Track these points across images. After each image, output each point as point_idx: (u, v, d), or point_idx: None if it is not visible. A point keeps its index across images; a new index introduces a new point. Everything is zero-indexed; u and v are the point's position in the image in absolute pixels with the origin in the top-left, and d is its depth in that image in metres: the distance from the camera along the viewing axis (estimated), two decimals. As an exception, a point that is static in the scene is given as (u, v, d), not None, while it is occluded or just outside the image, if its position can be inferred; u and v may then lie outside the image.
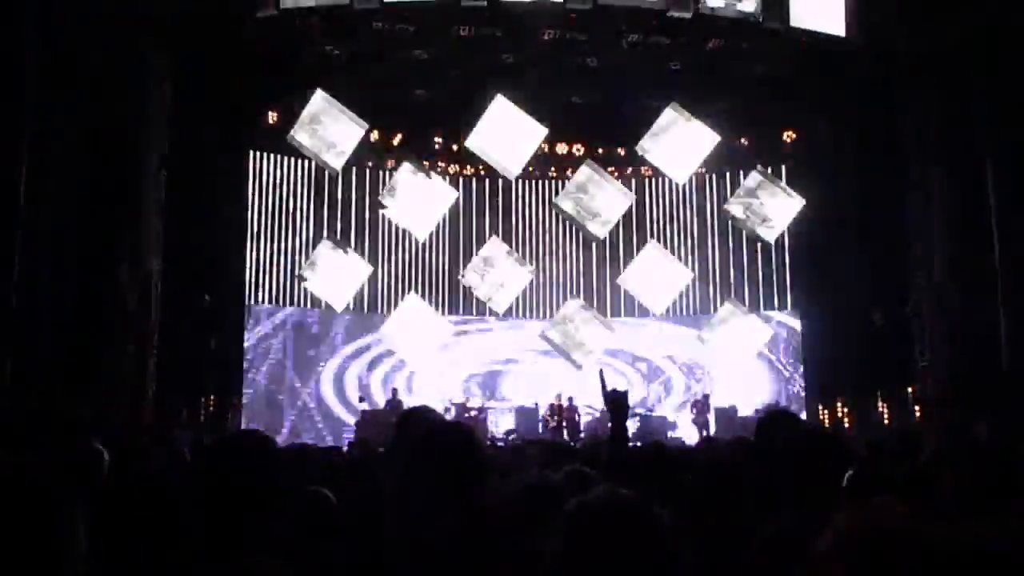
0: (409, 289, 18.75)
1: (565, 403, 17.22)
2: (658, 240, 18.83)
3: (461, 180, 19.07)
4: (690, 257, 19.15)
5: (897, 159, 14.78)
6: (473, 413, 17.03)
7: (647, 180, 19.47)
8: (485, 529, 2.02)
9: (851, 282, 16.46)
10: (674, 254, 18.72)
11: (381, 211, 17.84)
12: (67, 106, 11.79)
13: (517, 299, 18.58)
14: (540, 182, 19.76)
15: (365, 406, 17.65)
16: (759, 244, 18.38)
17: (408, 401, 16.87)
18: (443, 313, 18.67)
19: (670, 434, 16.44)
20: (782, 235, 18.10)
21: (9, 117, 10.55)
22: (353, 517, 3.30)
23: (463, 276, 18.28)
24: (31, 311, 10.73)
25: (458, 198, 18.19)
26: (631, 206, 18.39)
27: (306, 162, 17.96)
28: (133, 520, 2.78)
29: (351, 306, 18.35)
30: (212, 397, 15.87)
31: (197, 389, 15.51)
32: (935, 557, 1.09)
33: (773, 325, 18.70)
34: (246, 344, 17.62)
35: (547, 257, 19.73)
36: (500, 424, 17.88)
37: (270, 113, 17.58)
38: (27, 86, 10.81)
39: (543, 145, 17.41)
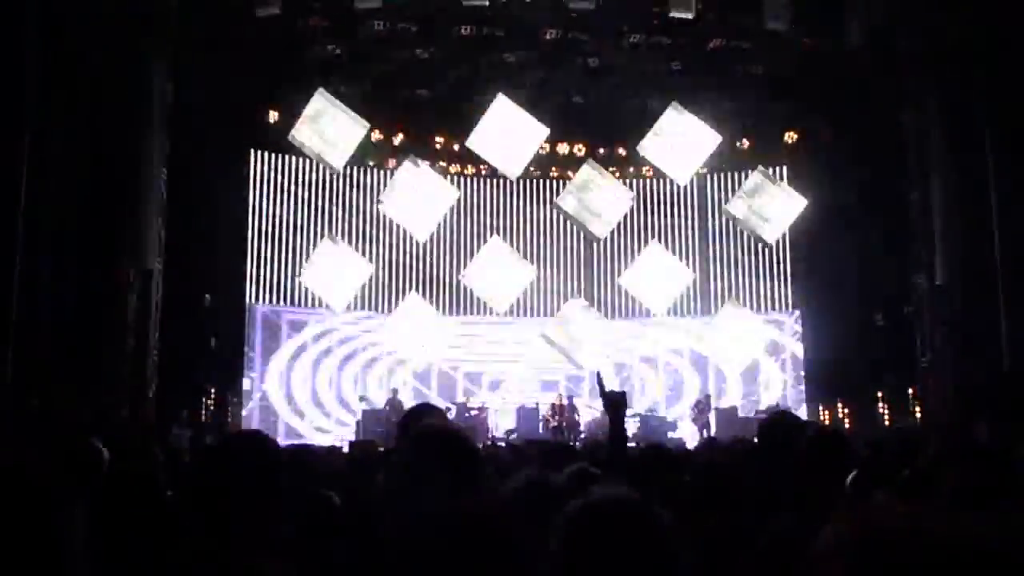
0: (410, 289, 18.74)
1: (565, 403, 17.22)
2: (659, 240, 18.84)
3: (462, 179, 19.06)
4: (691, 257, 19.15)
5: (897, 159, 14.78)
6: (474, 413, 17.02)
7: (648, 180, 19.46)
8: (485, 529, 2.01)
9: (852, 282, 16.46)
10: (675, 254, 18.73)
11: (381, 209, 17.84)
12: (67, 106, 11.79)
13: (518, 299, 18.59)
14: (541, 182, 19.75)
15: (365, 406, 17.64)
16: (760, 244, 18.38)
17: (408, 400, 16.88)
18: (444, 313, 18.66)
19: (670, 435, 16.43)
20: (783, 235, 18.12)
21: (9, 117, 10.55)
22: (353, 517, 3.30)
23: (464, 276, 18.29)
24: (31, 311, 10.73)
25: (459, 198, 18.20)
26: (632, 206, 18.41)
27: (307, 161, 17.96)
28: (133, 519, 2.78)
29: (351, 306, 18.36)
30: (212, 396, 15.87)
31: (197, 388, 15.51)
32: (936, 556, 1.08)
33: (774, 325, 18.70)
34: (246, 343, 17.64)
35: (548, 257, 19.72)
36: (500, 424, 17.87)
37: (271, 112, 17.59)
38: (27, 86, 10.80)
39: (544, 145, 17.41)
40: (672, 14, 14.59)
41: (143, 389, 13.06)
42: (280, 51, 15.78)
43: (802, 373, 18.48)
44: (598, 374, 3.91)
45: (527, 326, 19.33)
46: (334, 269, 17.42)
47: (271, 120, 17.66)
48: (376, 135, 17.91)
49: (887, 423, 15.20)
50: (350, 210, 18.84)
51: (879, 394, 15.74)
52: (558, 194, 18.44)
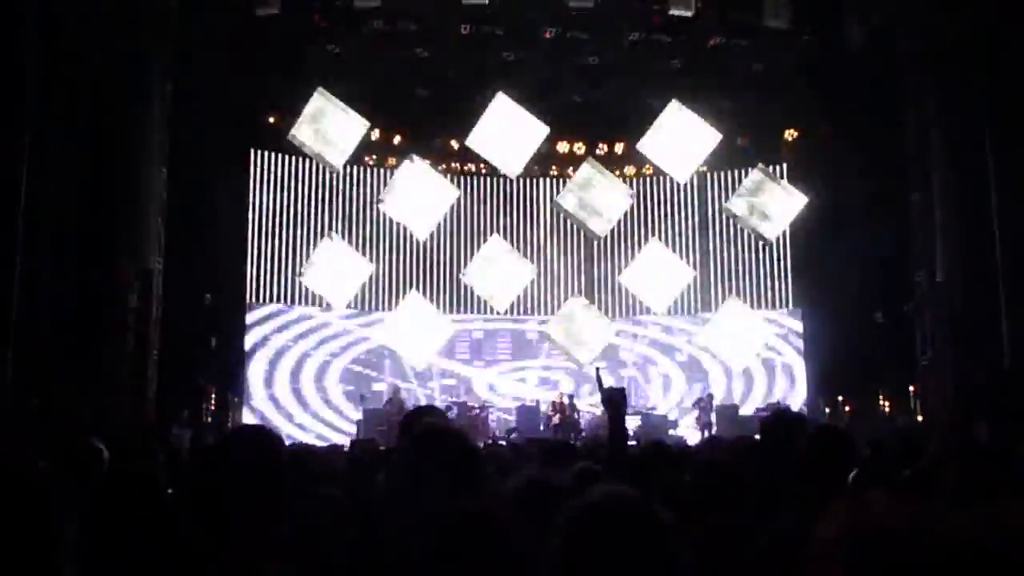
0: (410, 287, 18.73)
1: (566, 401, 17.21)
2: (660, 238, 18.82)
3: (462, 178, 19.06)
4: (692, 255, 19.13)
5: (898, 158, 14.78)
6: (474, 412, 17.02)
7: (648, 178, 19.45)
8: (485, 529, 2.01)
9: (853, 280, 16.44)
10: (676, 252, 18.72)
11: (381, 208, 17.82)
12: (67, 106, 11.79)
13: (518, 297, 18.58)
14: (541, 180, 19.74)
15: (366, 404, 17.64)
16: (761, 242, 18.37)
17: (409, 400, 16.89)
18: (444, 311, 18.65)
19: (671, 432, 16.42)
20: (783, 233, 18.11)
21: (9, 117, 10.55)
22: (354, 517, 3.30)
23: (464, 274, 18.28)
24: (31, 311, 10.73)
25: (459, 196, 18.19)
26: (632, 204, 18.40)
27: (307, 160, 17.95)
28: (133, 519, 2.78)
29: (352, 305, 18.36)
30: (213, 396, 15.87)
31: (198, 388, 15.51)
32: (932, 551, 1.08)
33: (775, 323, 18.70)
34: (247, 343, 17.64)
35: (548, 255, 19.71)
36: (501, 423, 17.87)
37: (271, 111, 17.58)
38: (27, 86, 10.80)
39: (544, 143, 17.40)
40: (672, 12, 14.59)
41: (143, 389, 13.07)
42: (280, 51, 15.77)
43: (803, 371, 18.47)
44: (597, 372, 3.92)
45: (528, 324, 19.33)
46: (334, 268, 17.41)
47: (271, 120, 17.65)
48: (376, 134, 17.91)
49: (888, 421, 15.20)
50: (350, 209, 18.83)
51: (880, 392, 15.74)
52: (558, 192, 18.43)
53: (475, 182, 19.50)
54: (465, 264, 18.53)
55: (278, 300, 18.40)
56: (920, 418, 14.12)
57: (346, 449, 8.00)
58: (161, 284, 13.78)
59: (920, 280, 14.33)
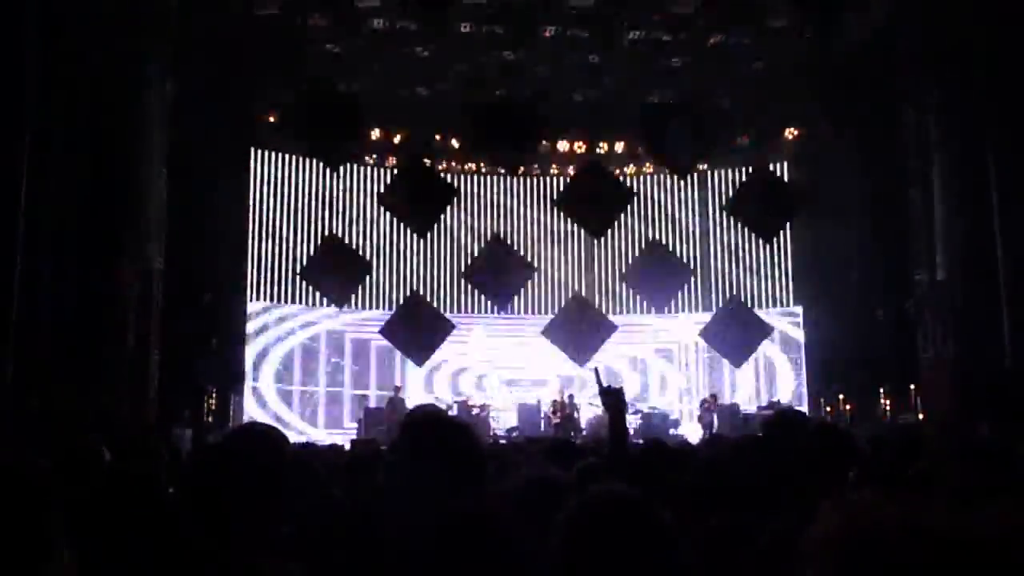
0: (410, 287, 18.73)
1: (567, 400, 17.21)
2: (660, 237, 18.81)
3: (462, 177, 19.04)
4: (692, 254, 19.13)
5: (898, 156, 14.78)
6: (475, 411, 17.02)
7: (649, 177, 19.44)
8: (485, 527, 2.01)
9: (853, 278, 16.44)
10: (676, 251, 18.70)
11: (382, 208, 17.80)
12: (67, 106, 11.78)
13: (519, 297, 18.56)
14: (541, 179, 19.74)
15: (367, 404, 17.65)
16: (761, 241, 18.36)
17: (410, 399, 16.90)
18: (444, 311, 18.62)
19: (672, 431, 16.43)
20: (784, 231, 18.10)
21: (9, 117, 10.54)
22: (354, 516, 3.30)
23: (465, 274, 18.24)
24: (31, 311, 10.72)
25: (459, 196, 18.17)
26: (633, 203, 18.37)
27: (307, 160, 17.95)
28: (133, 519, 2.77)
29: (352, 304, 18.35)
30: (214, 395, 15.87)
31: (198, 388, 15.51)
32: (927, 550, 1.08)
33: (775, 322, 18.69)
34: (247, 342, 17.65)
35: (549, 254, 19.71)
36: (502, 422, 17.87)
37: (271, 111, 17.58)
38: (27, 86, 10.79)
39: (544, 143, 17.38)
40: (672, 10, 14.59)
41: (144, 388, 13.07)
42: (280, 51, 15.76)
43: (803, 369, 18.47)
44: (596, 371, 3.90)
45: (528, 324, 19.32)
46: (335, 267, 17.37)
47: (271, 120, 17.65)
48: (376, 133, 17.90)
49: (889, 419, 15.19)
50: (351, 208, 18.83)
51: (881, 390, 15.73)
52: (558, 191, 18.42)
53: (475, 181, 19.50)
54: (465, 264, 18.52)
55: (278, 300, 18.40)
56: (921, 416, 14.12)
57: (346, 449, 8.00)
58: (161, 283, 13.78)
59: (921, 278, 14.33)
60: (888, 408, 15.53)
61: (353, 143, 16.24)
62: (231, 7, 14.27)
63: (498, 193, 19.67)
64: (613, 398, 3.38)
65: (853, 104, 16.03)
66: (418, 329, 17.42)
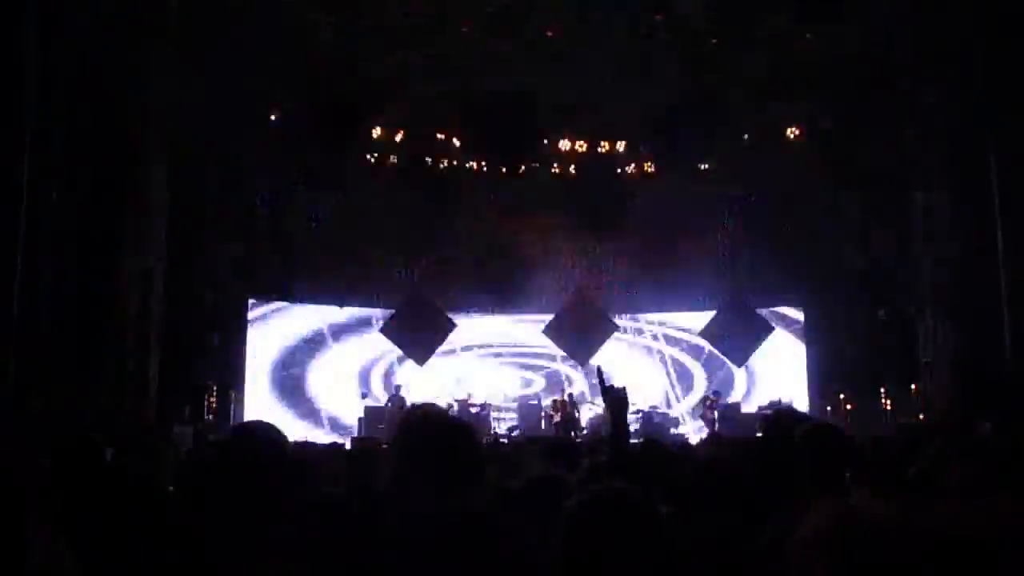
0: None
1: (567, 399, 17.22)
2: (661, 236, 18.78)
3: (462, 176, 19.02)
4: (693, 253, 19.09)
5: (899, 156, 14.78)
6: (476, 410, 17.02)
7: (649, 176, 19.42)
8: (485, 525, 2.01)
9: (855, 278, 16.45)
10: (677, 250, 18.69)
11: (381, 207, 17.82)
12: (67, 106, 11.78)
13: (519, 296, 18.56)
14: (541, 179, 19.70)
15: (368, 402, 17.64)
16: (763, 239, 18.36)
17: (410, 398, 16.88)
18: (445, 311, 18.63)
19: (672, 431, 16.43)
20: (786, 230, 18.10)
21: (9, 117, 10.54)
22: (354, 515, 3.29)
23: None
24: (32, 311, 10.73)
25: (459, 195, 18.17)
26: (633, 202, 18.37)
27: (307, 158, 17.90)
28: (133, 519, 2.77)
29: (352, 303, 18.36)
30: (214, 394, 15.88)
31: (199, 386, 15.52)
32: (913, 547, 1.08)
33: (777, 321, 18.68)
34: (248, 340, 17.63)
35: (549, 254, 19.68)
36: (503, 421, 17.87)
37: (271, 110, 17.56)
38: (27, 86, 10.80)
39: (544, 143, 17.39)
40: (672, 10, 14.59)
41: (145, 387, 13.08)
42: (280, 51, 15.75)
43: (805, 368, 18.45)
44: (599, 369, 3.90)
45: (530, 323, 19.31)
46: (417, 326, 17.34)
47: (272, 117, 17.63)
48: (377, 132, 17.90)
49: (890, 419, 15.20)
50: (350, 206, 18.79)
51: (882, 390, 15.73)
52: (558, 192, 18.41)
53: (475, 180, 19.46)
54: (466, 263, 18.52)
55: (278, 299, 18.39)
56: (921, 416, 14.12)
57: (347, 447, 8.00)
58: (162, 282, 13.78)
59: (923, 277, 14.33)
60: (889, 408, 15.53)
61: (353, 143, 16.31)
62: (231, 7, 14.26)
63: (500, 191, 19.62)
64: (616, 398, 3.38)
65: (853, 104, 16.02)
66: (419, 328, 17.45)
